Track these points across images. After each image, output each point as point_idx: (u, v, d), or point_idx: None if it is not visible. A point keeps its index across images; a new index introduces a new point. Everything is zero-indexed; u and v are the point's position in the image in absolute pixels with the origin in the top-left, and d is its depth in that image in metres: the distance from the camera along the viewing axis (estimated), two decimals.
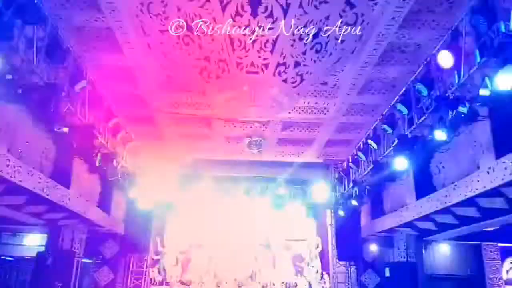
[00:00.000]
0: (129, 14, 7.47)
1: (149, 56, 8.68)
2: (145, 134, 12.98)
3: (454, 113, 5.95)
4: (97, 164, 8.19)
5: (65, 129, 6.83)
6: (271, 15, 6.88)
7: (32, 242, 13.86)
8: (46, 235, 11.74)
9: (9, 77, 5.31)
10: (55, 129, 6.59)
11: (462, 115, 5.94)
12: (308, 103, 10.65)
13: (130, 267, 14.62)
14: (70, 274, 10.56)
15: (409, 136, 7.63)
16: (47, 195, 8.13)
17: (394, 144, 8.10)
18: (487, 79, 5.36)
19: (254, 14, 6.88)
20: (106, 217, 12.22)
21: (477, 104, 5.76)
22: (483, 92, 5.55)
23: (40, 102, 6.48)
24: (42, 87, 6.12)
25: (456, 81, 6.02)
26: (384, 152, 8.90)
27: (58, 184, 8.67)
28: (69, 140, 8.07)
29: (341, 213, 12.66)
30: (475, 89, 5.88)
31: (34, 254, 11.59)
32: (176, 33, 7.44)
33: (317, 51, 7.71)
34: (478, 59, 5.45)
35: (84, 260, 11.63)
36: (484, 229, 9.47)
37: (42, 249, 11.35)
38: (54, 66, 6.45)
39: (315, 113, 11.37)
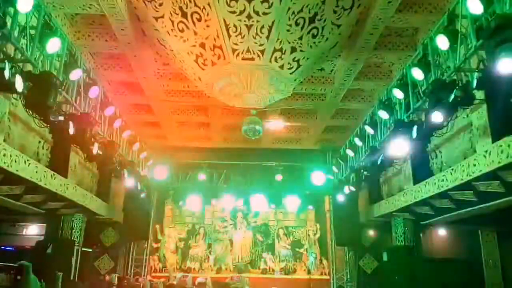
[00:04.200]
0: (123, 0, 7.39)
1: (144, 42, 8.62)
2: (142, 122, 12.97)
3: (450, 97, 5.93)
4: (94, 153, 8.16)
5: (61, 118, 6.78)
6: None
7: (32, 232, 13.90)
8: (45, 225, 11.80)
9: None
10: (51, 118, 6.54)
11: (459, 99, 5.92)
12: (306, 89, 10.62)
13: (130, 255, 14.72)
14: (70, 263, 10.59)
15: (406, 120, 7.61)
16: (45, 184, 8.13)
17: (391, 129, 8.09)
18: (483, 62, 5.33)
19: None
20: (105, 205, 12.26)
21: (474, 87, 5.73)
22: (480, 75, 5.52)
23: (36, 91, 6.43)
24: (36, 76, 6.07)
25: (453, 64, 6.00)
26: (381, 138, 8.90)
27: (55, 173, 8.66)
28: (65, 129, 8.03)
29: (339, 199, 12.71)
30: (471, 73, 5.86)
31: (34, 244, 11.65)
32: (170, 20, 7.37)
33: (313, 36, 7.65)
34: (474, 42, 5.42)
35: (84, 249, 11.68)
36: (481, 213, 9.52)
37: (42, 238, 11.40)
38: (48, 54, 6.38)
39: (312, 100, 11.36)
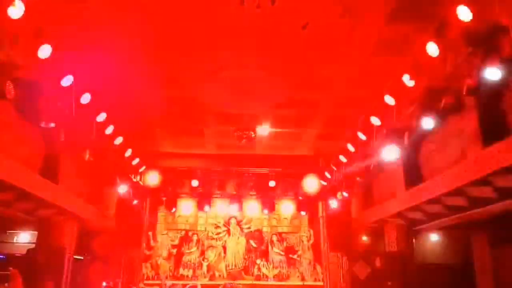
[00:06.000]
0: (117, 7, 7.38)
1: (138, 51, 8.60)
2: (135, 128, 12.91)
3: (441, 103, 5.99)
4: (86, 159, 8.13)
5: (52, 125, 6.76)
6: (258, 5, 6.86)
7: (23, 239, 13.76)
8: (36, 232, 11.68)
9: None
10: (42, 125, 6.52)
11: (449, 106, 5.99)
12: (298, 96, 10.65)
13: (122, 262, 14.59)
14: (61, 271, 10.51)
15: (398, 127, 7.68)
16: (36, 191, 8.06)
17: (383, 135, 8.16)
18: (473, 69, 5.40)
19: (241, 1, 6.85)
20: (97, 212, 12.17)
21: (464, 94, 5.80)
22: (470, 82, 5.59)
23: (27, 98, 6.41)
24: (27, 82, 6.05)
25: (443, 71, 6.06)
26: (373, 144, 8.96)
27: (46, 180, 8.59)
28: (57, 135, 8.00)
29: (332, 204, 12.74)
30: (461, 79, 5.92)
31: (25, 252, 11.52)
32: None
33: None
34: (465, 49, 5.49)
35: (75, 256, 11.57)
36: (472, 218, 9.59)
37: (33, 246, 11.29)
38: (40, 61, 6.35)
39: (305, 106, 11.39)
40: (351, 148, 10.30)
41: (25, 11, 5.49)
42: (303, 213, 15.56)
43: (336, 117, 12.19)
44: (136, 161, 12.45)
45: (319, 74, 9.99)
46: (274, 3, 6.58)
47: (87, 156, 8.08)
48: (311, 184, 13.85)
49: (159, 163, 14.19)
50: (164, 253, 15.35)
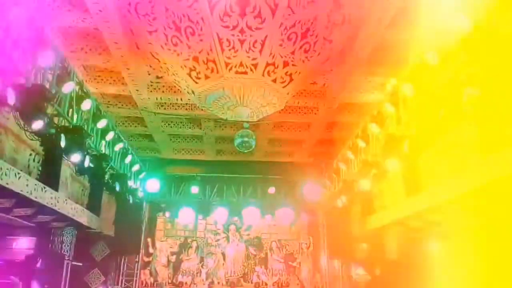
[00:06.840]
0: (116, 14, 7.43)
1: (137, 55, 8.64)
2: (135, 135, 12.94)
3: (440, 112, 6.01)
4: (86, 166, 8.12)
5: (52, 130, 6.77)
6: (259, 15, 6.89)
7: (22, 245, 13.70)
8: (35, 238, 11.63)
9: None
10: (43, 131, 6.52)
11: (448, 114, 6.00)
12: (298, 103, 10.69)
13: (121, 269, 14.53)
14: (60, 277, 10.45)
15: (398, 135, 7.69)
16: (35, 197, 8.02)
17: (383, 143, 8.16)
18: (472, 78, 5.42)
19: (242, 14, 6.88)
20: (96, 219, 12.11)
21: (463, 103, 5.81)
22: (469, 91, 5.61)
23: (27, 104, 6.41)
24: (28, 88, 6.06)
25: (442, 80, 6.09)
26: (373, 151, 8.96)
27: (46, 186, 8.57)
28: (57, 142, 7.99)
29: (332, 212, 12.70)
30: (460, 88, 5.94)
31: (23, 258, 11.44)
32: (164, 34, 7.42)
33: (305, 51, 7.73)
34: (462, 58, 5.52)
35: (74, 263, 11.51)
36: (472, 227, 9.54)
37: (32, 252, 11.23)
38: (41, 67, 6.39)
39: (305, 113, 11.42)
40: (350, 155, 10.30)
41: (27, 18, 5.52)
42: (303, 220, 15.53)
43: (336, 123, 12.23)
44: (136, 167, 12.45)
45: (319, 80, 10.05)
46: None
47: (87, 162, 8.07)
48: (311, 191, 13.82)
49: (159, 170, 14.18)
50: (163, 260, 15.29)
